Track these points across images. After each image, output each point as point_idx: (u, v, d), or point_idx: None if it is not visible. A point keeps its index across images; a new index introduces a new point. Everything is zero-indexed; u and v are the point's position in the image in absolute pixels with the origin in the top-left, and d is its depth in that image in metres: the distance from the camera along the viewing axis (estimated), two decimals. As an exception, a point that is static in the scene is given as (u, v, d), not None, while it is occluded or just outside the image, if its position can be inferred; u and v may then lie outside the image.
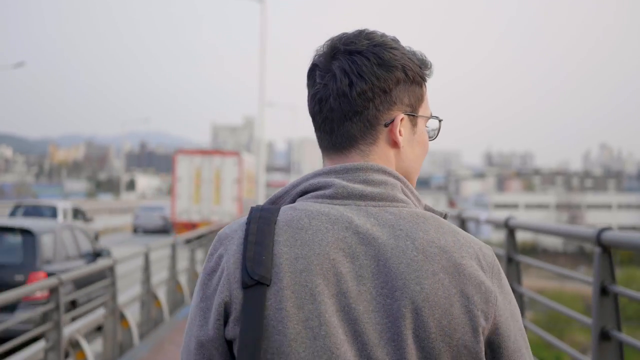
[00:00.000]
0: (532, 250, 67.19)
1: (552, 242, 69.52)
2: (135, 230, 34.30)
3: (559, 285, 42.27)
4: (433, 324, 1.19)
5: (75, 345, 6.77)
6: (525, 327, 3.90)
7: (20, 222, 10.68)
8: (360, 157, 1.30)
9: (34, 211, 21.89)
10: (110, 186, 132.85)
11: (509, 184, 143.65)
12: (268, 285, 1.19)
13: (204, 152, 26.96)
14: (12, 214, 21.72)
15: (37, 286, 5.86)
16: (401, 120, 1.32)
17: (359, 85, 1.27)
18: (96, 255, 10.93)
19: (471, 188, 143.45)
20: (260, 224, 1.24)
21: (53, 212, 21.63)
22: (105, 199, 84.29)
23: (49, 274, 8.58)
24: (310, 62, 1.34)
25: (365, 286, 1.20)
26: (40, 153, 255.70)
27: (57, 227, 10.50)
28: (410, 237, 1.23)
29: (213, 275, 1.25)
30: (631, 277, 44.99)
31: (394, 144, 1.33)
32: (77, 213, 23.32)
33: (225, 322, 1.22)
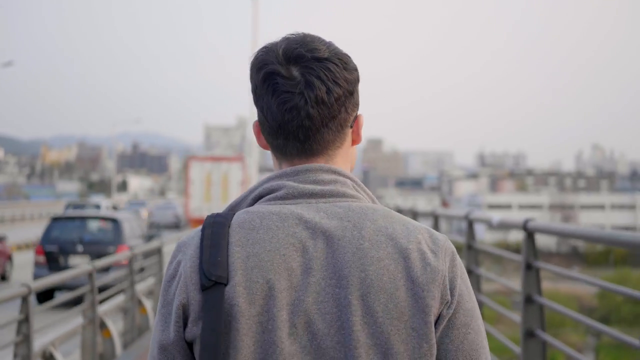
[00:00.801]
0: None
1: (546, 243, 69.51)
2: (151, 226, 38.53)
3: (552, 285, 42.36)
4: (379, 308, 1.21)
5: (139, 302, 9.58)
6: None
7: (110, 213, 16.76)
8: (325, 161, 1.35)
9: (83, 208, 27.03)
10: (103, 187, 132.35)
11: (502, 185, 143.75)
12: (225, 285, 1.22)
13: (213, 159, 31.39)
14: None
15: (122, 256, 9.25)
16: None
17: (335, 91, 1.31)
18: (150, 237, 15.71)
19: (464, 188, 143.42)
20: (215, 228, 1.28)
21: (98, 209, 27.80)
22: (98, 200, 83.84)
23: (129, 247, 11.95)
24: (259, 70, 1.33)
25: (315, 277, 1.23)
26: (33, 154, 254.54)
27: (130, 217, 16.35)
28: (357, 227, 1.26)
29: (172, 281, 1.29)
30: (624, 277, 44.98)
31: (354, 142, 1.40)
32: (115, 209, 31.91)
33: (185, 325, 1.26)
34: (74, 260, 14.19)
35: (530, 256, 4.44)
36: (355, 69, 1.36)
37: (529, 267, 4.41)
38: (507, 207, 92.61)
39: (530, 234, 4.49)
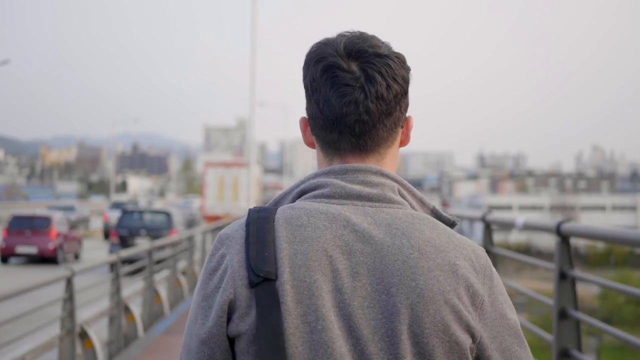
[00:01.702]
0: (526, 251, 66.85)
1: (547, 243, 69.13)
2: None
3: (551, 286, 41.86)
4: (428, 319, 1.21)
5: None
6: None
7: (163, 207, 26.70)
8: (376, 160, 1.34)
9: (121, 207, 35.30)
10: (102, 188, 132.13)
11: (502, 186, 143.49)
12: (275, 280, 1.21)
13: (225, 164, 37.11)
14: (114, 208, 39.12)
15: (171, 240, 13.21)
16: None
17: (394, 88, 1.31)
18: (189, 225, 23.00)
19: (464, 189, 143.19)
20: (260, 224, 1.27)
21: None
22: (97, 201, 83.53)
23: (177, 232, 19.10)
24: (318, 62, 1.32)
25: (361, 282, 1.23)
26: (32, 154, 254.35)
27: (176, 211, 24.42)
28: (406, 235, 1.26)
29: (214, 274, 1.27)
30: (626, 278, 44.66)
31: (402, 143, 1.40)
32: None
33: (229, 320, 1.25)
34: (138, 240, 19.97)
35: (564, 264, 3.78)
36: (410, 69, 1.36)
37: (563, 277, 3.76)
38: (508, 208, 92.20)
39: (564, 238, 3.77)
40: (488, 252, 4.99)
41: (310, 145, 1.39)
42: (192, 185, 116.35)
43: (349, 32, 1.36)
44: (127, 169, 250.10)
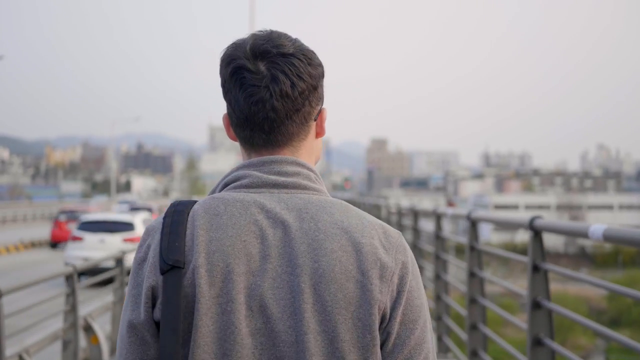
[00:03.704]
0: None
1: (554, 243, 68.87)
2: None
3: (561, 287, 41.74)
4: (329, 297, 1.28)
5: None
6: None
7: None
8: (291, 153, 1.41)
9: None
10: (106, 187, 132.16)
11: (508, 185, 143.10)
12: (182, 268, 1.30)
13: None
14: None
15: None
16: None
17: (299, 85, 1.37)
18: None
19: (470, 189, 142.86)
20: (174, 217, 1.35)
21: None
22: (101, 200, 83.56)
23: None
24: (228, 64, 1.39)
25: (272, 264, 1.30)
26: (37, 154, 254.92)
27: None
28: (314, 219, 1.33)
29: (143, 264, 1.35)
30: (634, 278, 44.33)
31: (318, 135, 1.46)
32: None
33: (153, 306, 1.32)
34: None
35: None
36: (320, 65, 1.42)
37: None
38: (514, 207, 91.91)
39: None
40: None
41: (234, 139, 1.45)
42: (196, 185, 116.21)
43: (260, 31, 1.42)
44: (132, 168, 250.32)
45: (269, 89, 1.35)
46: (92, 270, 13.46)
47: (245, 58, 1.37)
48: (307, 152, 1.44)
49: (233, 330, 1.27)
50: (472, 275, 4.99)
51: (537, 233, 3.87)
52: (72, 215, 27.24)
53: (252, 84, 1.36)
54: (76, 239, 18.11)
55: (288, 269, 1.30)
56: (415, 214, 8.13)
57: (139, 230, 18.30)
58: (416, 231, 8.05)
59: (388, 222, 11.44)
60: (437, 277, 6.46)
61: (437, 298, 6.42)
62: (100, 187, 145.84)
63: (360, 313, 1.28)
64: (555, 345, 3.75)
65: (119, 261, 8.62)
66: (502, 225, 4.64)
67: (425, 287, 8.24)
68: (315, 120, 1.43)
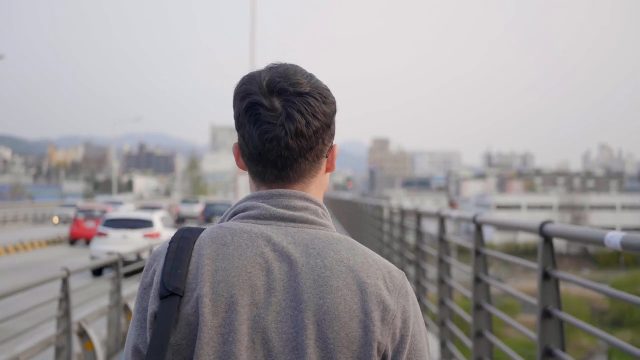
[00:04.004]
0: (534, 252, 66.20)
1: (556, 244, 68.51)
2: (178, 219, 44.57)
3: (563, 288, 41.44)
4: (332, 335, 1.28)
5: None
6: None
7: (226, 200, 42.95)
8: (301, 189, 1.42)
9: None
10: (108, 187, 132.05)
11: (510, 185, 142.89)
12: (181, 296, 1.31)
13: None
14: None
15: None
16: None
17: (314, 124, 1.37)
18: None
19: (472, 189, 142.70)
20: (181, 243, 1.36)
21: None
22: (103, 200, 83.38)
23: None
24: (243, 99, 1.39)
25: (276, 298, 1.31)
26: (39, 154, 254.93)
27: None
28: (320, 255, 1.33)
29: (149, 289, 1.37)
30: (637, 279, 44.12)
31: (327, 170, 1.47)
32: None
33: None
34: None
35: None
36: (334, 102, 1.42)
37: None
38: (516, 207, 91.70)
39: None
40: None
41: (243, 169, 1.45)
42: (198, 185, 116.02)
43: (276, 64, 1.43)
44: (134, 168, 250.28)
45: (284, 127, 1.35)
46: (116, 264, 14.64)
47: (261, 94, 1.37)
48: (317, 187, 1.45)
49: None
50: (477, 280, 4.81)
51: (547, 239, 3.68)
52: (89, 214, 28.71)
53: (267, 121, 1.36)
54: (101, 234, 20.05)
55: (292, 303, 1.30)
56: (418, 216, 7.96)
57: (158, 227, 20.24)
58: (419, 233, 7.88)
59: (390, 223, 11.26)
60: (441, 282, 6.29)
61: (441, 303, 6.24)
62: (102, 187, 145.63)
63: (361, 353, 1.29)
64: (566, 357, 3.57)
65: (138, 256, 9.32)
66: (511, 229, 4.40)
67: (427, 290, 8.15)
68: (326, 157, 1.44)
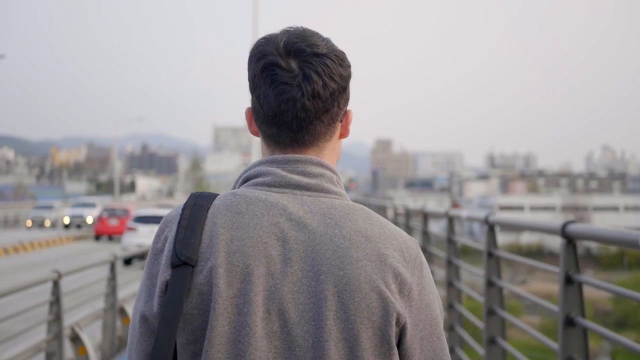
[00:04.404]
0: (538, 252, 66.11)
1: (557, 244, 68.22)
2: None
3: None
4: (353, 306, 1.28)
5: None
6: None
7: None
8: (316, 153, 1.40)
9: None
10: (111, 188, 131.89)
11: (513, 186, 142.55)
12: (193, 266, 1.29)
13: None
14: None
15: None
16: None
17: (331, 86, 1.36)
18: None
19: (475, 190, 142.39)
20: (194, 210, 1.34)
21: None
22: (105, 201, 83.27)
23: None
24: (259, 60, 1.37)
25: (292, 268, 1.29)
26: (42, 155, 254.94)
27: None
28: (339, 225, 1.33)
29: (160, 255, 1.34)
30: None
31: (341, 136, 1.46)
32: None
33: None
34: None
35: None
36: (349, 66, 1.41)
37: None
38: (519, 208, 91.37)
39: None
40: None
41: (255, 134, 1.44)
42: (201, 185, 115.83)
43: (291, 28, 1.40)
44: (137, 169, 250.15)
45: (300, 87, 1.34)
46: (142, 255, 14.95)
47: (278, 55, 1.36)
48: (330, 152, 1.43)
49: (248, 332, 1.26)
50: (490, 284, 4.54)
51: (570, 240, 3.39)
52: (112, 213, 31.59)
53: (284, 81, 1.34)
54: (131, 229, 22.98)
55: (310, 274, 1.29)
56: (425, 216, 7.70)
57: None
58: (426, 234, 7.63)
59: (395, 224, 11.03)
60: (450, 284, 6.03)
61: (450, 307, 5.99)
62: (104, 188, 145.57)
63: (381, 324, 1.29)
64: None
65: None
66: (528, 230, 4.03)
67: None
68: (341, 121, 1.42)
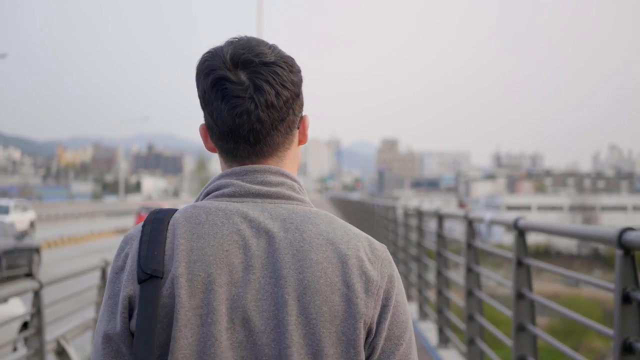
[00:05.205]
0: (546, 253, 65.57)
1: (566, 245, 67.73)
2: None
3: (575, 290, 40.69)
4: (314, 310, 1.23)
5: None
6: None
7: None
8: (275, 163, 1.37)
9: None
10: (116, 188, 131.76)
11: (520, 185, 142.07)
12: (161, 278, 1.25)
13: None
14: None
15: None
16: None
17: (284, 94, 1.32)
18: None
19: (481, 189, 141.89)
20: (154, 225, 1.31)
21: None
22: (111, 201, 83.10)
23: None
24: (207, 75, 1.33)
25: (255, 275, 1.25)
26: (48, 155, 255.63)
27: None
28: (299, 229, 1.29)
29: (121, 273, 1.30)
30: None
31: (300, 142, 1.42)
32: None
33: (130, 317, 1.27)
34: None
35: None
36: (299, 71, 1.37)
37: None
38: (527, 208, 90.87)
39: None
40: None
41: (212, 150, 1.40)
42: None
43: (235, 38, 1.37)
44: (142, 169, 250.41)
45: (253, 99, 1.30)
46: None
47: (226, 68, 1.32)
48: (291, 161, 1.39)
49: (213, 343, 1.22)
50: (520, 296, 4.09)
51: (627, 251, 2.98)
52: (149, 209, 35.98)
53: (236, 95, 1.30)
54: None
55: (272, 280, 1.25)
56: (440, 218, 7.26)
57: None
58: (441, 238, 7.19)
59: (405, 225, 10.57)
60: (469, 294, 5.58)
61: (469, 318, 5.52)
62: (110, 188, 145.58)
63: (345, 327, 1.24)
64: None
65: None
66: (571, 237, 3.54)
67: (451, 301, 7.43)
68: (298, 128, 1.38)
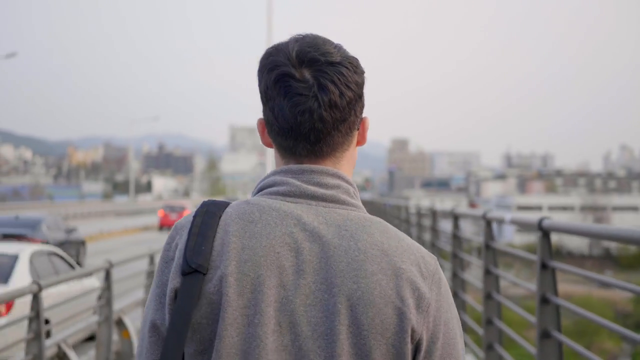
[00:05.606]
0: (557, 253, 65.16)
1: (577, 245, 67.28)
2: None
3: (587, 290, 40.39)
4: (366, 321, 1.23)
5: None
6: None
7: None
8: (333, 164, 1.36)
9: None
10: (127, 188, 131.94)
11: (531, 186, 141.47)
12: (204, 274, 1.25)
13: None
14: None
15: None
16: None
17: (347, 95, 1.31)
18: None
19: (492, 189, 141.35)
20: (205, 217, 1.30)
21: None
22: (121, 201, 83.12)
23: None
24: (271, 71, 1.33)
25: (306, 280, 1.25)
26: (60, 155, 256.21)
27: None
28: (354, 237, 1.28)
29: (170, 263, 1.31)
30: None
31: (358, 143, 1.41)
32: None
33: None
34: None
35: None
36: (363, 72, 1.37)
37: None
38: (538, 208, 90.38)
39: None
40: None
41: (269, 145, 1.40)
42: (217, 186, 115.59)
43: (301, 36, 1.36)
44: (153, 168, 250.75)
45: (317, 98, 1.29)
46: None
47: (291, 65, 1.31)
48: (348, 162, 1.39)
49: (258, 344, 1.21)
50: (544, 301, 3.90)
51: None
52: (172, 209, 40.38)
53: (299, 92, 1.30)
54: None
55: (323, 286, 1.24)
56: (456, 218, 7.08)
57: None
58: (456, 238, 7.02)
59: (420, 225, 10.38)
60: (488, 297, 5.40)
61: (488, 322, 5.35)
62: (121, 187, 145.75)
63: (396, 340, 1.23)
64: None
65: None
66: (613, 239, 3.19)
67: (467, 304, 7.24)
68: (358, 129, 1.38)
